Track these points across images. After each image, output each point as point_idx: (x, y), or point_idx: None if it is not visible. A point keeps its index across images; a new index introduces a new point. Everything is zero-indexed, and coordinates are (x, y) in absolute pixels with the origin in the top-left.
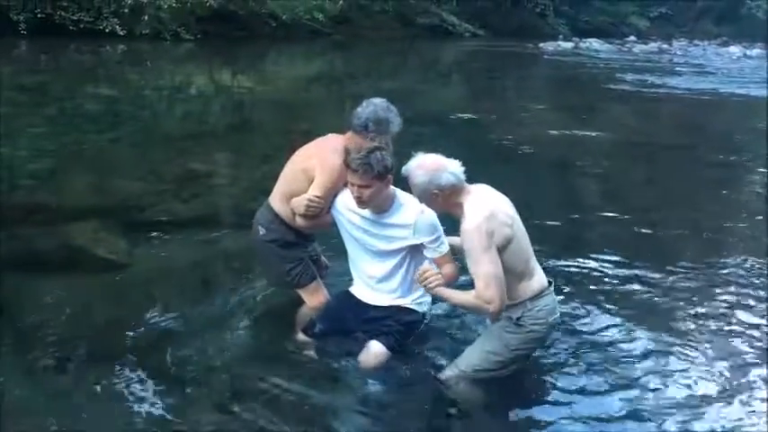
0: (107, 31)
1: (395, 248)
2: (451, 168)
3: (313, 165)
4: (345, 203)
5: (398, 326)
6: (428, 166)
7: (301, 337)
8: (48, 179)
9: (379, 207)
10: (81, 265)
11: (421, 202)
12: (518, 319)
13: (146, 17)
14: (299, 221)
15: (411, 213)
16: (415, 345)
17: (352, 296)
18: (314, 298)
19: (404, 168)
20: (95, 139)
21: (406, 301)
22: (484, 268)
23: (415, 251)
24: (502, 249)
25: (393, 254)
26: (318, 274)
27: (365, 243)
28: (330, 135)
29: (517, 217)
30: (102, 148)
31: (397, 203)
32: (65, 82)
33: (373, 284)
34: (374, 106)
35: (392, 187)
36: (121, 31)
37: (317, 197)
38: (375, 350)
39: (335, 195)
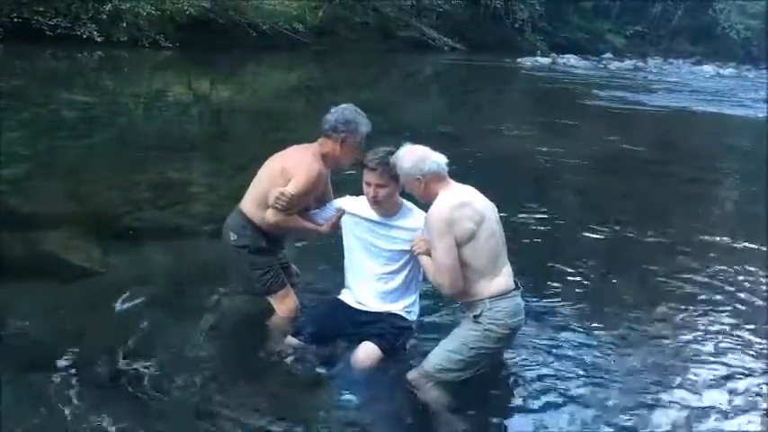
0: (84, 37)
1: (396, 249)
2: (435, 158)
3: (291, 166)
4: (352, 206)
5: (391, 329)
6: (415, 153)
7: (276, 345)
8: (21, 185)
9: (389, 210)
10: (54, 273)
11: (405, 186)
12: (476, 316)
13: (124, 24)
14: (269, 215)
15: (417, 220)
16: (401, 352)
17: (343, 302)
18: (283, 305)
19: (394, 155)
20: (71, 146)
21: (397, 307)
22: (438, 255)
23: (415, 262)
24: (462, 243)
25: (395, 256)
26: (289, 282)
27: (369, 242)
28: (303, 144)
29: (492, 217)
30: (78, 154)
31: (405, 209)
32: (40, 87)
33: (372, 281)
34: (342, 110)
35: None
36: (99, 37)
37: (290, 193)
38: (368, 350)
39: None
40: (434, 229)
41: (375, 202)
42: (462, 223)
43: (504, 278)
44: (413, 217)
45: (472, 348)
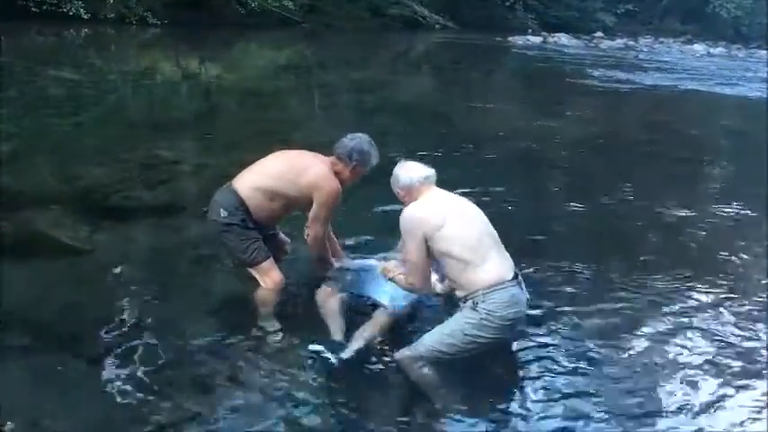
0: (71, 14)
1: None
2: (411, 173)
3: (313, 181)
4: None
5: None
6: (401, 168)
7: (264, 320)
8: (8, 163)
9: None
10: (42, 251)
11: (396, 195)
12: (475, 304)
13: (111, 0)
14: (311, 236)
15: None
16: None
17: None
18: (268, 277)
19: None
20: (58, 124)
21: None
22: (409, 256)
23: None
24: (430, 235)
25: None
26: (280, 251)
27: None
28: (319, 154)
29: (468, 210)
30: (65, 132)
31: None
32: (27, 65)
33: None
34: (359, 139)
35: None
36: (86, 14)
37: (324, 216)
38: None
39: None
40: (403, 229)
41: None
42: (429, 219)
43: (495, 269)
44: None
45: (467, 335)
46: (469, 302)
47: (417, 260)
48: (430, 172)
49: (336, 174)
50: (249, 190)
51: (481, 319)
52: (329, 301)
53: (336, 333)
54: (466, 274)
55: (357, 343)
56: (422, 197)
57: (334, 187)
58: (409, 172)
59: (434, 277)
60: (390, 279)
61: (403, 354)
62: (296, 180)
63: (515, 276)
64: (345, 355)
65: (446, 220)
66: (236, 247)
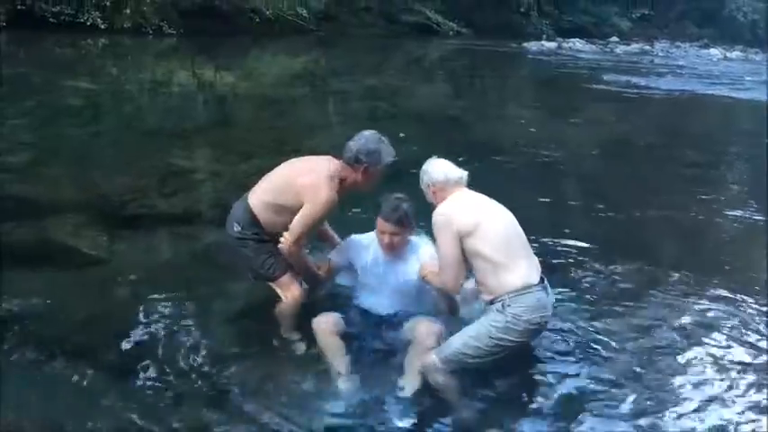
0: (88, 24)
1: (409, 281)
2: (445, 169)
3: (306, 187)
4: (361, 245)
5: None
6: (433, 165)
7: (285, 332)
8: (26, 172)
9: (401, 251)
10: (60, 260)
11: (424, 192)
12: (503, 308)
13: (128, 11)
14: (285, 243)
15: (425, 252)
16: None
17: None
18: (288, 291)
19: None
20: (75, 133)
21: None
22: (441, 252)
23: (425, 293)
24: (465, 236)
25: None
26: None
27: (381, 278)
28: (326, 157)
29: (501, 214)
30: (83, 142)
31: (412, 244)
32: (44, 75)
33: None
34: (365, 138)
35: None
36: (103, 24)
37: (301, 226)
38: (429, 325)
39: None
40: (437, 226)
41: (391, 248)
42: (462, 216)
43: (523, 273)
44: (419, 250)
45: (492, 338)
46: (497, 305)
47: (450, 256)
48: (464, 173)
49: (344, 180)
50: (259, 204)
51: (507, 322)
52: (330, 336)
53: (341, 368)
54: (494, 276)
55: (413, 381)
56: (453, 196)
57: (322, 197)
58: (444, 168)
59: (468, 284)
60: (423, 278)
61: (428, 356)
62: (290, 190)
63: (542, 280)
64: (405, 393)
65: (480, 219)
66: (254, 262)
